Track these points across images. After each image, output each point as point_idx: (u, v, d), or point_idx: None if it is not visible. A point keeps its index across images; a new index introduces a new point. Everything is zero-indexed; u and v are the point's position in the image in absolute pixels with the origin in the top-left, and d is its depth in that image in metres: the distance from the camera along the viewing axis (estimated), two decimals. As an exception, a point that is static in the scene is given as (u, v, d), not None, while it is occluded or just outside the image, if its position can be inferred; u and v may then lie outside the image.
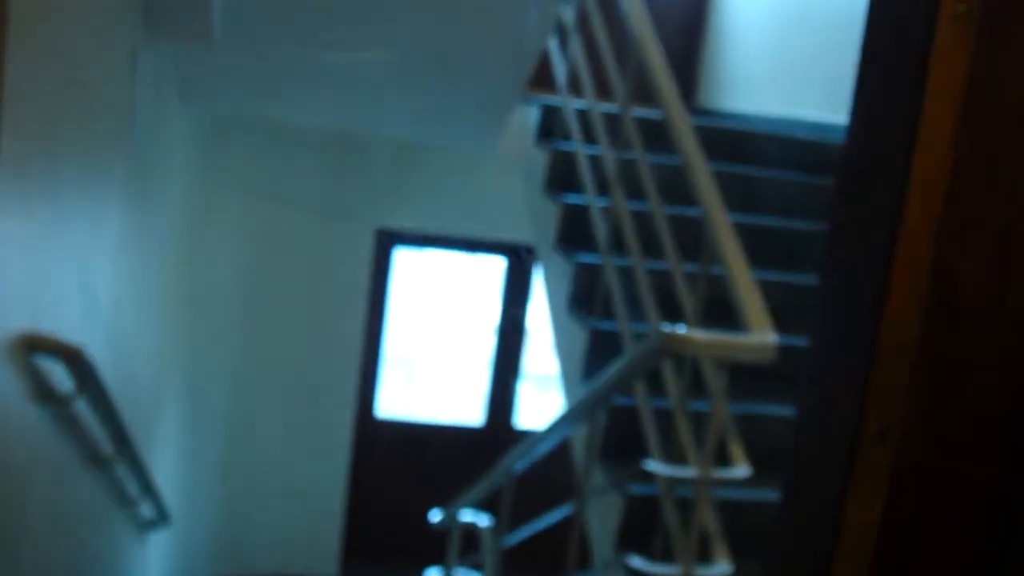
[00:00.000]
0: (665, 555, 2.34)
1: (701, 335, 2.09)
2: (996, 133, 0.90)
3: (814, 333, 1.03)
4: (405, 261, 6.30)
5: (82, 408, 2.33)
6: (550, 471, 3.86)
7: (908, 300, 0.90)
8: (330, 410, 6.18)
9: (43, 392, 2.01)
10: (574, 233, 3.55)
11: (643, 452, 2.56)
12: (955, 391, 0.93)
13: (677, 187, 2.73)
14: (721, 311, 2.35)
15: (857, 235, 0.97)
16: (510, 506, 3.02)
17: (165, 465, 4.91)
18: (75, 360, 2.02)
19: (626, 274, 2.92)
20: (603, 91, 3.23)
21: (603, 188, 3.14)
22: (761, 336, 2.06)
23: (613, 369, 2.38)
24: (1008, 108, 0.89)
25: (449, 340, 6.61)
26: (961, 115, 0.88)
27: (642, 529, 2.67)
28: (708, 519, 2.15)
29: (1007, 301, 0.92)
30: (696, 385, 2.44)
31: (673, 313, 2.66)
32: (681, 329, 2.11)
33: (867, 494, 0.93)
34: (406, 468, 6.37)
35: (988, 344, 0.93)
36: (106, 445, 2.68)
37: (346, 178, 5.90)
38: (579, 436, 3.17)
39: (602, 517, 2.90)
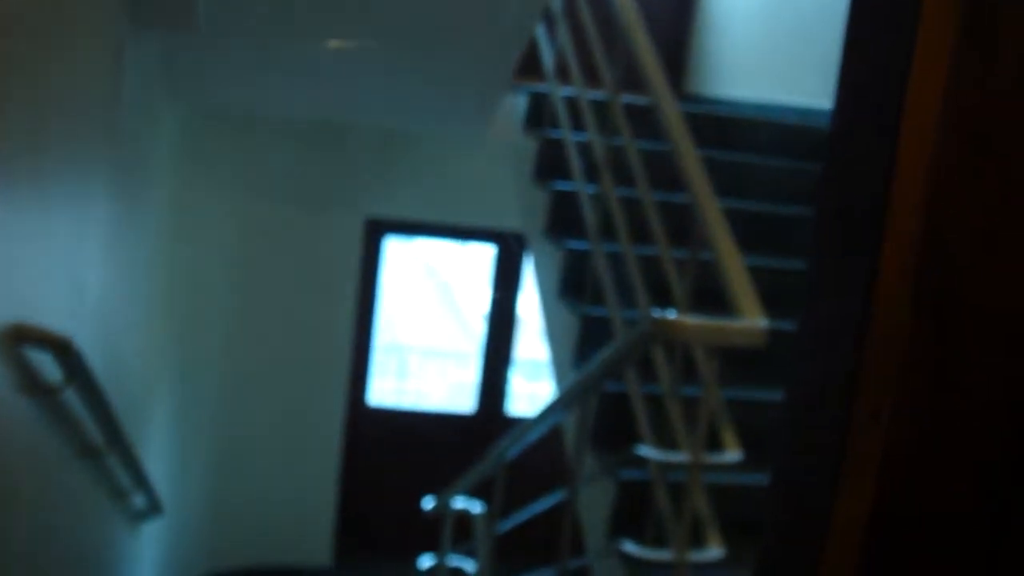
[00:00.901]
0: (658, 540, 2.35)
1: (691, 320, 2.09)
2: (983, 108, 0.90)
3: (803, 316, 1.03)
4: (395, 250, 6.29)
5: (72, 400, 2.33)
6: (543, 458, 3.87)
7: (898, 281, 0.90)
8: (321, 399, 6.18)
9: (32, 383, 2.01)
10: (563, 220, 3.55)
11: (635, 438, 2.57)
12: (948, 373, 0.93)
13: (667, 173, 2.73)
14: (712, 296, 2.36)
15: (845, 216, 0.97)
16: (503, 493, 3.03)
17: (157, 456, 4.91)
18: (63, 350, 2.01)
19: (616, 260, 2.92)
20: (591, 78, 3.22)
21: (592, 175, 3.13)
22: (751, 321, 2.07)
23: (604, 355, 2.39)
24: (995, 83, 0.89)
25: (440, 328, 6.61)
26: (948, 91, 0.88)
27: (635, 515, 2.67)
28: (700, 504, 2.15)
29: (999, 280, 0.92)
30: (687, 370, 2.45)
31: (663, 299, 2.67)
32: (672, 314, 2.11)
33: (858, 478, 0.93)
34: (399, 456, 6.37)
35: (981, 324, 0.93)
36: (97, 436, 2.68)
37: (335, 168, 5.89)
38: (571, 422, 3.17)
39: (595, 503, 2.91)
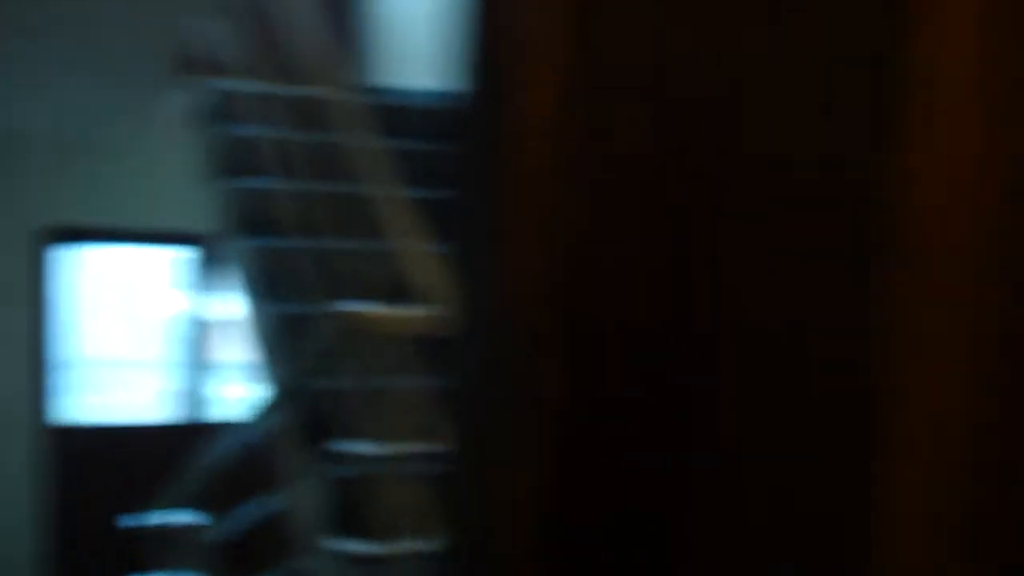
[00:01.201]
0: (372, 534, 2.36)
1: (375, 311, 2.11)
2: (601, 66, 0.93)
3: (458, 301, 1.05)
4: (78, 259, 5.96)
5: None
6: (255, 462, 3.79)
7: (535, 262, 0.92)
8: (5, 424, 5.78)
9: None
10: (254, 217, 3.48)
11: (343, 434, 2.57)
12: (603, 353, 0.97)
13: (352, 164, 2.74)
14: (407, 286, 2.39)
15: (476, 194, 0.99)
16: (213, 502, 2.96)
17: None
18: None
19: (307, 256, 2.90)
20: (270, 73, 3.17)
21: (278, 170, 3.09)
22: (434, 309, 2.11)
23: (302, 352, 2.37)
24: (613, 45, 0.93)
25: (134, 338, 6.34)
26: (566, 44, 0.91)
27: (346, 511, 2.68)
28: (403, 496, 2.19)
29: (643, 247, 0.95)
30: (400, 362, 2.47)
31: (360, 292, 2.67)
32: (357, 307, 2.12)
33: (524, 467, 0.96)
34: (104, 473, 6.07)
35: (627, 298, 0.96)
36: None
37: (2, 175, 5.51)
38: (278, 424, 3.13)
39: (307, 502, 2.89)
